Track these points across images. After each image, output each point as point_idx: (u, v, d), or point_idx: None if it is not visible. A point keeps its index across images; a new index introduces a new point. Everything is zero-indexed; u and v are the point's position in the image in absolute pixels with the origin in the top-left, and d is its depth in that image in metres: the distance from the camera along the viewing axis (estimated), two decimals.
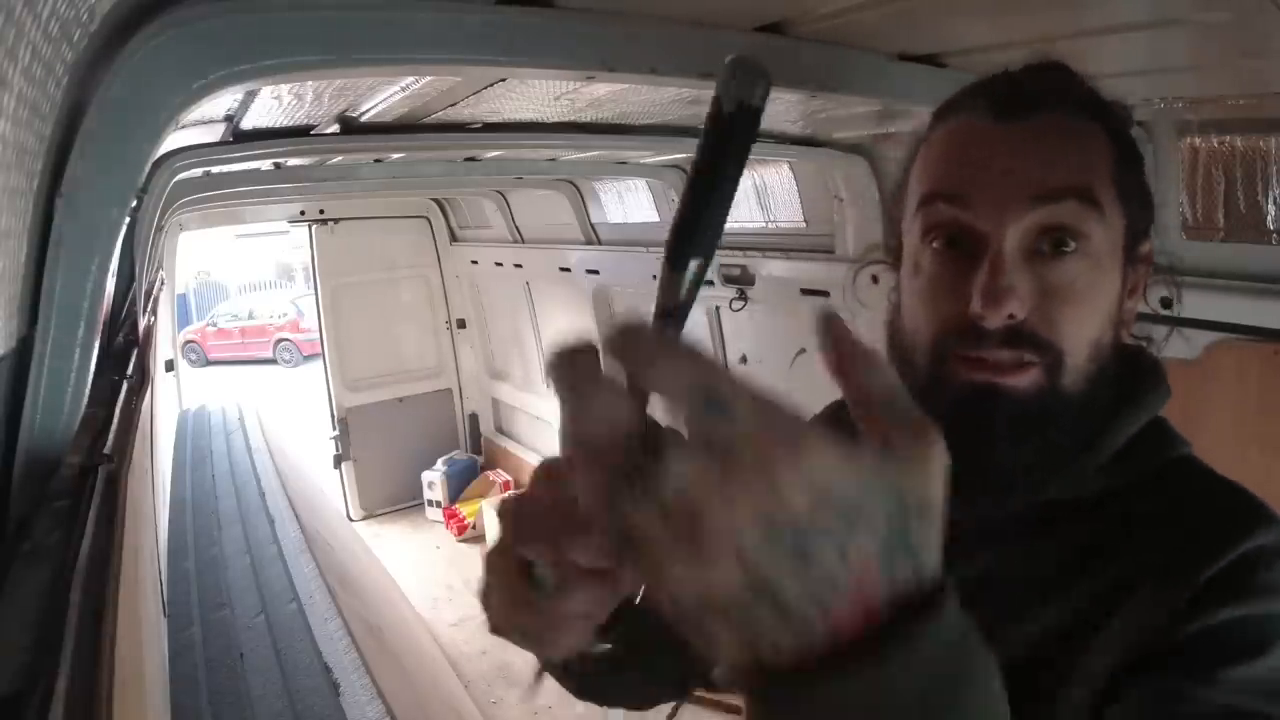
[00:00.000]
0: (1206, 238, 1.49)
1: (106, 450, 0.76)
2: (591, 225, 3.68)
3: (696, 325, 3.02)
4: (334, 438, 5.33)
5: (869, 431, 0.27)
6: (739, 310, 2.81)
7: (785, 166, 2.46)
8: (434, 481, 5.29)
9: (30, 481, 0.63)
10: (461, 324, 5.63)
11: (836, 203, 2.33)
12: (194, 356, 13.26)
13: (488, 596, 0.40)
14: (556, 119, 1.86)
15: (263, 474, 3.21)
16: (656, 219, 3.20)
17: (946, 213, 0.52)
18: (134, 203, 1.62)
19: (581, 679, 0.52)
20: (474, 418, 5.79)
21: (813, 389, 0.45)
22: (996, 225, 0.50)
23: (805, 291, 2.52)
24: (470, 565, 4.62)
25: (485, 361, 5.60)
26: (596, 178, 3.34)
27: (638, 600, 0.47)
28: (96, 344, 0.73)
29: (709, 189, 0.32)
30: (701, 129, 0.32)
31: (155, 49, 0.65)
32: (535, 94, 1.56)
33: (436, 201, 5.26)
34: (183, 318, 12.74)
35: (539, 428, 5.12)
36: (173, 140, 1.58)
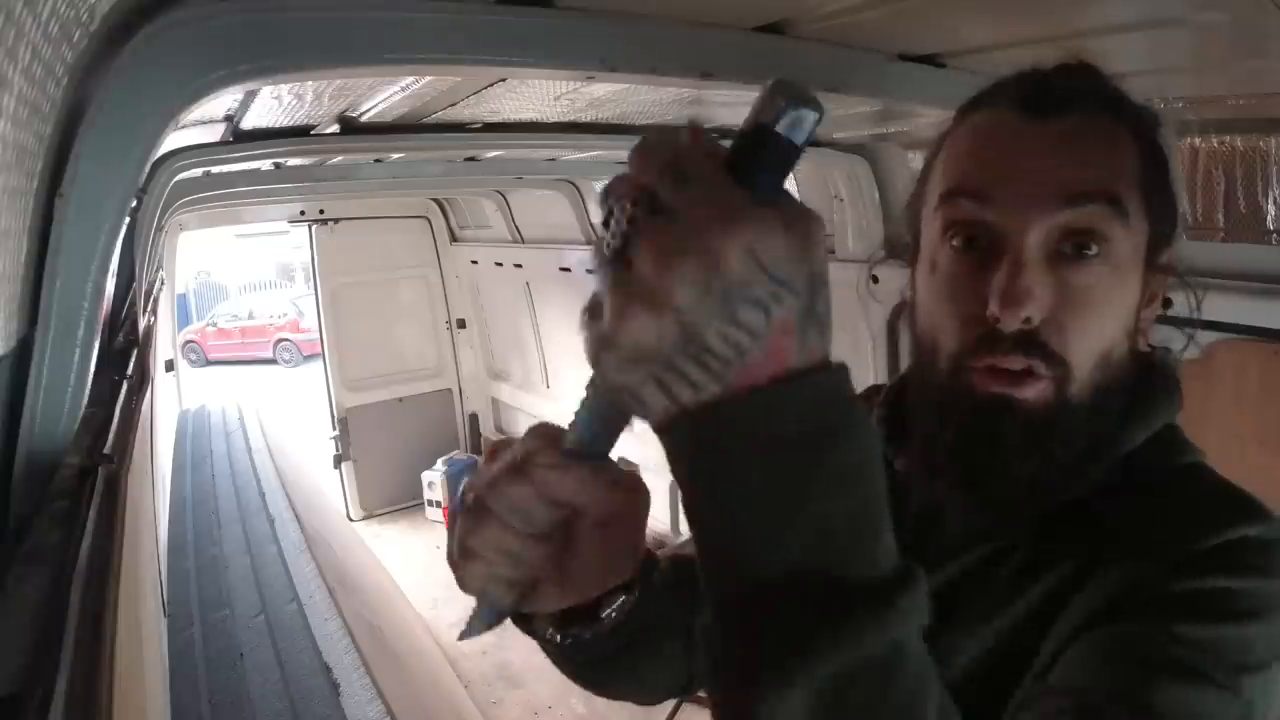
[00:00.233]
0: (1206, 238, 1.49)
1: (106, 450, 0.76)
2: (591, 225, 3.67)
3: None
4: (334, 438, 5.33)
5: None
6: None
7: None
8: (434, 481, 5.28)
9: (30, 481, 0.63)
10: (461, 324, 5.63)
11: (836, 203, 2.33)
12: (194, 356, 13.25)
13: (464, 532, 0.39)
14: (556, 119, 1.86)
15: (263, 474, 3.21)
16: None
17: (968, 210, 0.51)
18: (134, 203, 1.62)
19: (582, 660, 0.51)
20: (474, 418, 5.79)
21: None
22: (1019, 225, 0.49)
23: None
24: None
25: (485, 361, 5.61)
26: (596, 178, 3.34)
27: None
28: (96, 344, 0.73)
29: None
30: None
31: (155, 49, 0.65)
32: (535, 94, 1.56)
33: (436, 201, 5.26)
34: (183, 318, 12.73)
35: None
36: (173, 140, 1.58)
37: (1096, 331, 0.50)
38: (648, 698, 0.64)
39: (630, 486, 0.39)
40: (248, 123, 1.73)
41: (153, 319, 2.03)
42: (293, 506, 2.86)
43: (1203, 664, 0.40)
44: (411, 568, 4.52)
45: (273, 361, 13.38)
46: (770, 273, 0.29)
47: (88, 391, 0.71)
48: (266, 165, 2.56)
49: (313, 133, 1.87)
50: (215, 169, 2.41)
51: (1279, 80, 1.18)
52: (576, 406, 0.37)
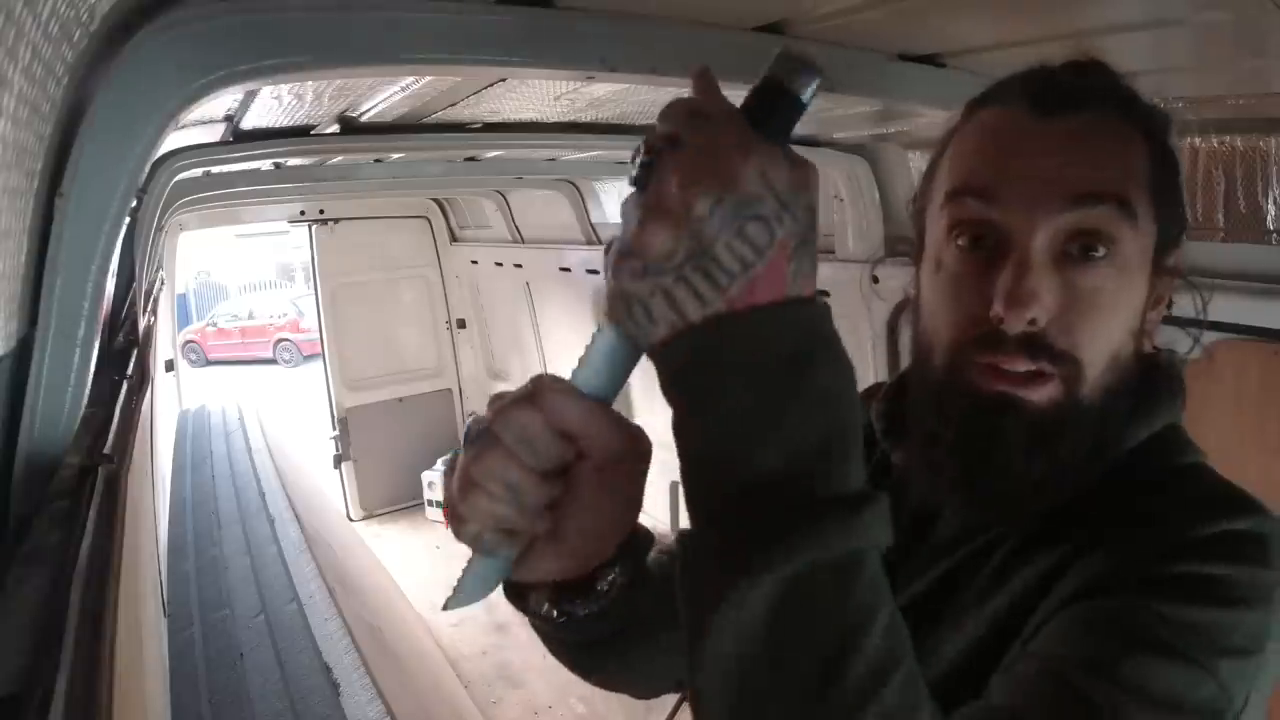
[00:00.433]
0: (1206, 238, 1.49)
1: (106, 450, 0.76)
2: (591, 225, 3.68)
3: None
4: (334, 438, 5.32)
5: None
6: None
7: None
8: (434, 482, 5.28)
9: (30, 481, 0.63)
10: (461, 324, 5.62)
11: (836, 203, 2.32)
12: (194, 356, 13.25)
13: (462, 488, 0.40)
14: (556, 119, 1.86)
15: (263, 474, 3.21)
16: None
17: (974, 209, 0.51)
18: (134, 203, 1.62)
19: (575, 641, 0.51)
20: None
21: None
22: (1026, 225, 0.48)
23: None
24: None
25: (485, 361, 5.60)
26: (596, 178, 3.34)
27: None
28: (96, 344, 0.73)
29: None
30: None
31: (155, 49, 0.65)
32: (535, 94, 1.56)
33: (436, 201, 5.25)
34: (183, 318, 12.73)
35: None
36: (173, 140, 1.58)
37: (1105, 334, 0.50)
38: (644, 690, 0.63)
39: (634, 430, 0.40)
40: (248, 123, 1.74)
41: (153, 319, 2.03)
42: (293, 506, 2.86)
43: (1182, 643, 0.40)
44: (411, 568, 4.51)
45: (273, 361, 13.37)
46: (777, 192, 0.33)
47: (88, 391, 0.71)
48: (266, 165, 2.56)
49: (313, 133, 1.87)
50: (215, 169, 2.41)
51: (1279, 80, 1.18)
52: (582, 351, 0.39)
